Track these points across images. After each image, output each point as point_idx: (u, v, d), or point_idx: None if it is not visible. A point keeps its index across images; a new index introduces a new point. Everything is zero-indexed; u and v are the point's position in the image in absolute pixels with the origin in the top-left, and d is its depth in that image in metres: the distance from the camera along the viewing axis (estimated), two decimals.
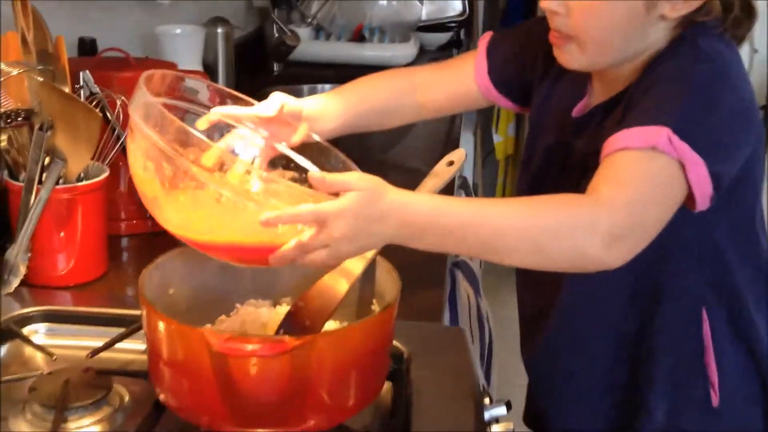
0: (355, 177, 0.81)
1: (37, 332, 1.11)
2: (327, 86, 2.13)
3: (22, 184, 1.14)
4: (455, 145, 2.21)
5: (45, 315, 1.12)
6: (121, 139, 1.25)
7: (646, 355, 1.04)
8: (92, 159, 1.20)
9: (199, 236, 0.87)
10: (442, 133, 2.09)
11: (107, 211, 1.24)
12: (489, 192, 3.63)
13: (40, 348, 1.05)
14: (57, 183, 1.15)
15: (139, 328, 0.97)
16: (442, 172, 0.98)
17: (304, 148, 1.07)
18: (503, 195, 3.63)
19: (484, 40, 1.17)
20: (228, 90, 1.07)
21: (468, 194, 2.04)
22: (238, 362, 0.80)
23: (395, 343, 1.03)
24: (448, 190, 1.05)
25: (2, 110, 1.09)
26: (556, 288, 1.07)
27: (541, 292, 1.10)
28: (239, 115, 1.03)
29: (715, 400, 1.02)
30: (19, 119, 1.08)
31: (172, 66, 1.40)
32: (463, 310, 1.44)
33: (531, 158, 1.10)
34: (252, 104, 1.06)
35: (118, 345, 1.04)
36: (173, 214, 0.87)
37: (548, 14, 0.97)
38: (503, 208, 0.85)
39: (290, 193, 0.80)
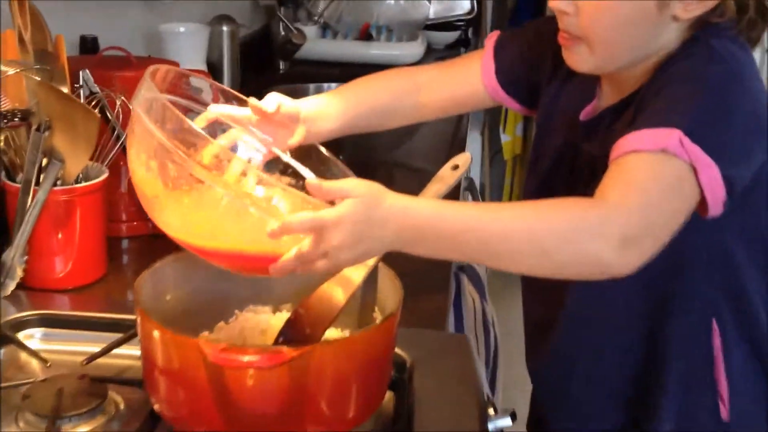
0: (353, 183, 0.79)
1: (33, 337, 1.09)
2: (333, 85, 2.10)
3: (19, 185, 1.12)
4: (462, 145, 2.19)
5: (41, 319, 1.10)
6: (121, 140, 1.23)
7: (654, 367, 1.01)
8: (91, 160, 1.18)
9: (199, 241, 0.85)
10: (449, 133, 2.07)
11: (106, 212, 1.22)
12: (496, 192, 3.60)
13: (34, 354, 1.03)
14: (55, 184, 1.13)
15: (136, 333, 0.95)
16: (446, 176, 0.95)
17: (302, 157, 1.04)
18: (510, 195, 3.60)
19: (491, 39, 1.14)
20: (231, 91, 1.05)
21: (474, 196, 2.02)
22: (234, 373, 0.78)
23: (397, 350, 1.01)
24: (453, 194, 1.03)
25: None
26: (562, 296, 1.04)
27: (548, 300, 1.08)
28: (236, 116, 1.01)
29: (724, 413, 0.99)
30: (16, 119, 1.06)
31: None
32: (468, 315, 1.41)
33: (538, 161, 1.08)
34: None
35: (115, 351, 1.02)
36: (174, 216, 0.85)
37: (557, 14, 0.94)
38: (507, 211, 0.83)
39: (289, 199, 0.78)
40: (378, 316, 0.95)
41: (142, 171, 0.84)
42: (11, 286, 1.13)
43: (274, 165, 1.04)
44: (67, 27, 1.29)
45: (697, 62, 0.90)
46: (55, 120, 1.09)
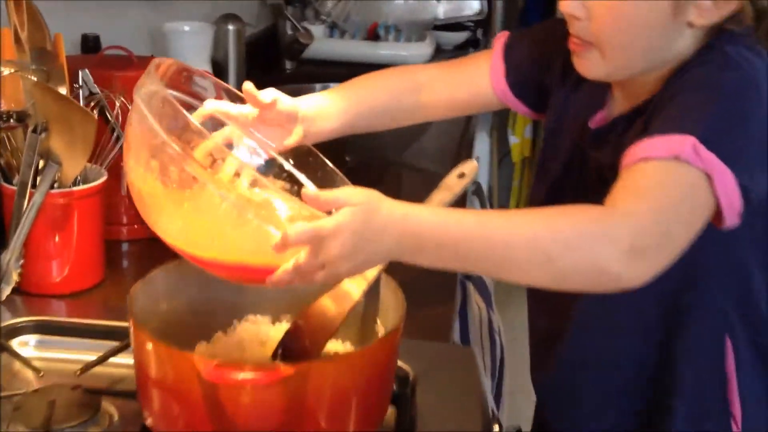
0: (350, 192, 0.76)
1: (28, 344, 1.06)
2: None
3: (15, 188, 1.09)
4: (470, 146, 2.17)
5: (36, 326, 1.08)
6: (121, 141, 1.21)
7: (664, 383, 0.98)
8: (90, 162, 1.16)
9: (196, 250, 0.82)
10: (457, 134, 2.04)
11: (105, 216, 1.19)
12: (504, 195, 3.57)
13: (27, 363, 1.00)
14: (52, 187, 1.11)
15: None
16: (452, 185, 0.92)
17: (298, 160, 1.00)
18: (519, 198, 3.57)
19: (500, 40, 1.10)
20: (234, 90, 1.01)
21: (482, 201, 1.98)
22: (229, 389, 0.75)
23: (400, 363, 0.98)
24: (460, 199, 1.00)
25: None
26: (569, 307, 1.01)
27: (554, 311, 1.05)
28: (232, 113, 0.97)
29: None
30: (11, 121, 1.04)
31: (204, 72, 1.35)
32: (474, 324, 1.38)
33: (546, 170, 1.04)
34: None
35: (111, 359, 0.99)
36: (171, 222, 0.82)
37: (567, 19, 0.91)
38: (512, 218, 0.79)
39: (286, 204, 0.75)
40: (380, 329, 0.92)
41: (140, 171, 0.81)
42: (6, 291, 1.11)
43: (268, 167, 1.00)
44: (70, 25, 1.27)
45: (712, 69, 0.87)
46: (52, 121, 1.06)
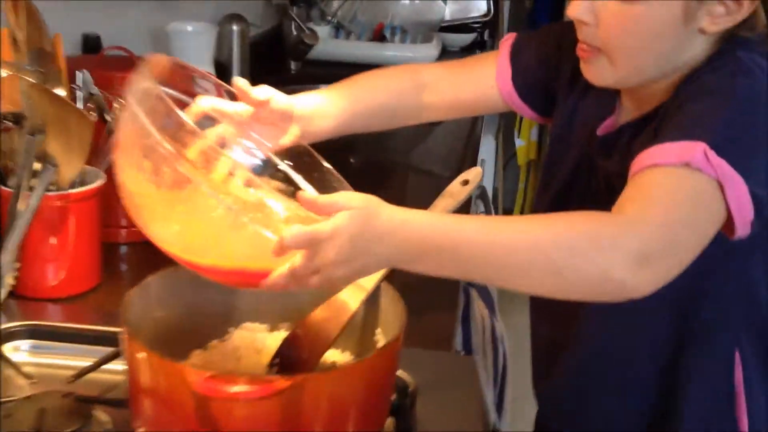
0: (348, 196, 0.73)
1: (20, 349, 1.04)
2: None
3: (12, 190, 1.07)
4: (476, 148, 2.15)
5: (30, 331, 1.06)
6: None
7: (672, 397, 0.96)
8: (89, 164, 1.14)
9: (190, 255, 0.80)
10: (463, 136, 2.03)
11: (102, 218, 1.18)
12: (510, 198, 3.55)
13: (18, 369, 0.98)
14: (48, 190, 1.09)
15: None
16: (455, 192, 0.90)
17: (294, 161, 0.97)
18: (524, 201, 3.54)
19: (507, 42, 1.08)
20: (230, 87, 0.98)
21: (486, 205, 1.96)
22: (222, 402, 0.72)
23: (400, 373, 0.96)
24: (464, 206, 0.98)
25: None
26: (573, 316, 0.99)
27: (557, 321, 1.02)
28: (227, 110, 0.94)
29: None
30: (7, 123, 1.02)
31: (200, 69, 1.33)
32: (477, 332, 1.36)
33: (552, 177, 1.02)
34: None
35: (106, 365, 0.97)
36: (166, 225, 0.80)
37: (576, 24, 0.89)
38: (514, 223, 0.77)
39: (283, 205, 0.73)
40: (380, 338, 0.90)
41: (132, 172, 0.79)
42: (2, 294, 1.09)
43: (264, 167, 0.97)
44: (71, 25, 1.25)
45: (724, 75, 0.85)
46: (49, 123, 1.04)
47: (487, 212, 2.02)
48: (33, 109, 1.03)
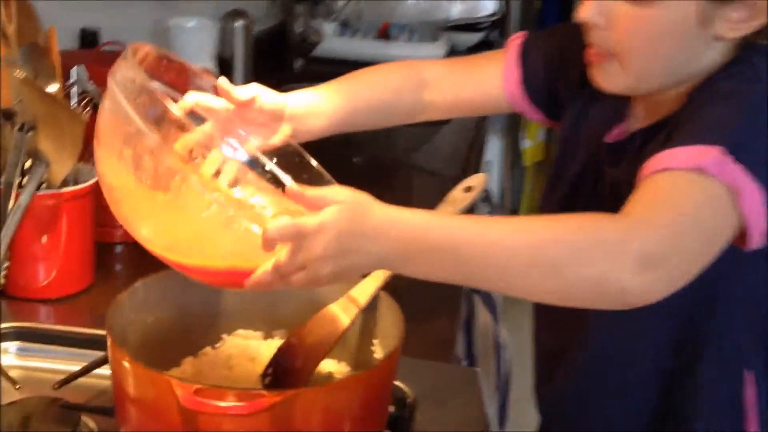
0: (337, 190, 0.70)
1: (8, 351, 1.02)
2: None
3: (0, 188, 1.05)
4: (481, 148, 2.12)
5: (18, 332, 1.03)
6: None
7: (679, 414, 0.92)
8: (81, 161, 1.11)
9: (174, 255, 0.75)
10: (469, 135, 2.00)
11: (97, 218, 1.15)
12: (516, 199, 3.51)
13: (4, 374, 0.95)
14: (40, 188, 1.06)
15: None
16: (458, 199, 0.87)
17: (283, 162, 0.93)
18: (531, 203, 3.50)
19: (515, 42, 1.04)
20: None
21: (492, 208, 1.93)
22: (210, 416, 0.69)
23: (398, 384, 0.93)
24: (468, 210, 0.94)
25: None
26: (577, 324, 0.95)
27: (561, 328, 0.99)
28: (216, 108, 0.90)
29: None
30: None
31: (186, 62, 1.30)
32: (480, 339, 1.33)
33: (558, 182, 0.98)
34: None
35: (95, 370, 0.94)
36: (149, 221, 0.76)
37: (585, 27, 0.85)
38: (514, 224, 0.73)
39: (269, 200, 0.70)
40: (377, 350, 0.87)
41: (113, 162, 0.75)
42: None
43: (251, 167, 0.91)
44: (70, 20, 1.22)
45: (740, 81, 0.81)
46: (40, 120, 1.02)
47: (492, 214, 1.99)
48: (23, 105, 1.00)
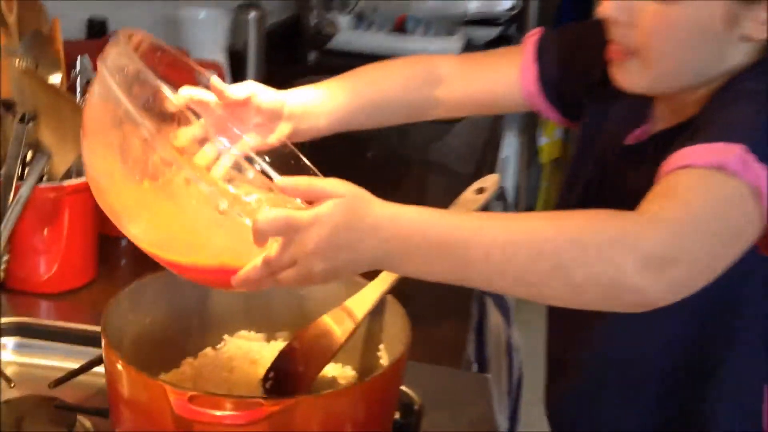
0: (335, 183, 0.66)
1: (6, 347, 1.00)
2: None
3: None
4: (497, 145, 2.08)
5: (17, 328, 1.01)
6: None
7: (694, 411, 0.88)
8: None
9: (164, 252, 0.72)
10: (485, 132, 1.97)
11: (98, 211, 1.12)
12: (531, 197, 3.47)
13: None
14: (41, 180, 1.04)
15: None
16: (469, 201, 0.83)
17: (278, 164, 0.89)
18: (547, 201, 3.46)
19: (532, 39, 1.00)
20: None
21: (506, 206, 1.89)
22: (205, 425, 0.66)
23: (405, 389, 0.90)
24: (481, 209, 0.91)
25: None
26: (589, 333, 0.92)
27: (572, 336, 0.95)
28: (208, 102, 0.85)
29: None
30: None
31: (182, 54, 1.27)
32: (491, 342, 1.29)
33: (574, 187, 0.94)
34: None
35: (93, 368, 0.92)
36: (135, 213, 0.73)
37: (607, 24, 0.81)
38: (519, 220, 0.69)
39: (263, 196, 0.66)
40: (383, 356, 0.84)
41: (100, 150, 0.71)
42: None
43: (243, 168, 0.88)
44: (79, 10, 1.20)
45: (765, 79, 0.78)
46: (41, 111, 0.99)
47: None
48: (24, 96, 0.97)
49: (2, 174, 1.01)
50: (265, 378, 0.83)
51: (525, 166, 3.41)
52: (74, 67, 1.12)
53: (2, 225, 1.01)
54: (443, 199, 0.90)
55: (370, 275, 0.81)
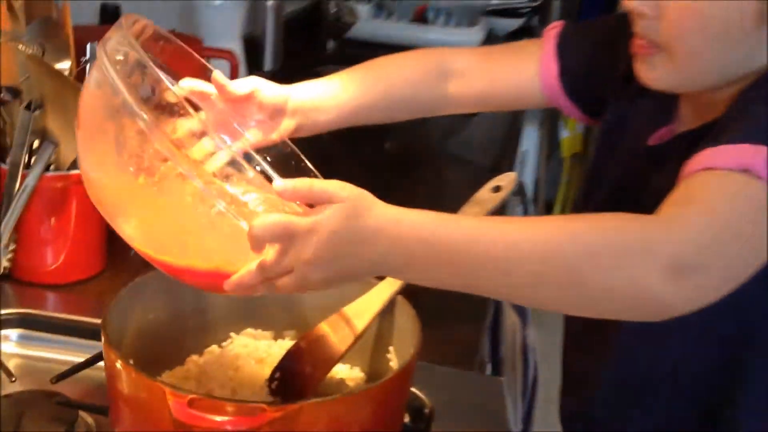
0: (338, 186, 0.63)
1: (9, 339, 0.98)
2: None
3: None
4: (517, 138, 2.04)
5: (21, 320, 0.99)
6: None
7: (718, 418, 0.85)
8: None
9: (152, 250, 0.70)
10: (505, 125, 1.95)
11: None
12: (551, 191, 3.42)
13: (1, 365, 0.91)
14: (48, 169, 1.01)
15: None
16: (485, 199, 0.80)
17: (277, 163, 0.86)
18: (566, 196, 3.42)
19: (552, 33, 0.96)
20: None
21: (524, 201, 1.86)
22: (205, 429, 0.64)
23: (416, 391, 0.87)
24: (497, 211, 0.88)
25: None
26: (605, 346, 0.88)
27: (588, 349, 0.91)
28: (211, 96, 0.83)
29: None
30: (0, 96, 0.94)
31: (196, 42, 1.25)
32: (507, 342, 1.26)
33: (594, 189, 0.90)
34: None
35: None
36: (128, 211, 0.70)
37: (632, 16, 0.77)
38: (527, 225, 0.65)
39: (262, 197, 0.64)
40: (392, 358, 0.81)
41: (94, 141, 0.69)
42: None
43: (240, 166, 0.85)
44: None
45: None
46: (48, 98, 0.97)
47: (525, 209, 1.92)
48: (30, 83, 0.95)
49: (8, 162, 0.99)
50: (271, 378, 0.81)
51: (545, 160, 3.37)
52: (85, 53, 1.10)
53: (8, 214, 1.00)
54: (461, 191, 0.87)
55: None
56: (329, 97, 0.90)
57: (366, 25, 2.28)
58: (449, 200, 0.80)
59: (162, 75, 0.65)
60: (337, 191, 0.62)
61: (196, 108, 0.81)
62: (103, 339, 0.72)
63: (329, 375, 0.81)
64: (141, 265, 1.11)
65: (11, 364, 0.94)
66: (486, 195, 0.80)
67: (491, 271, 0.63)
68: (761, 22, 0.73)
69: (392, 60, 0.96)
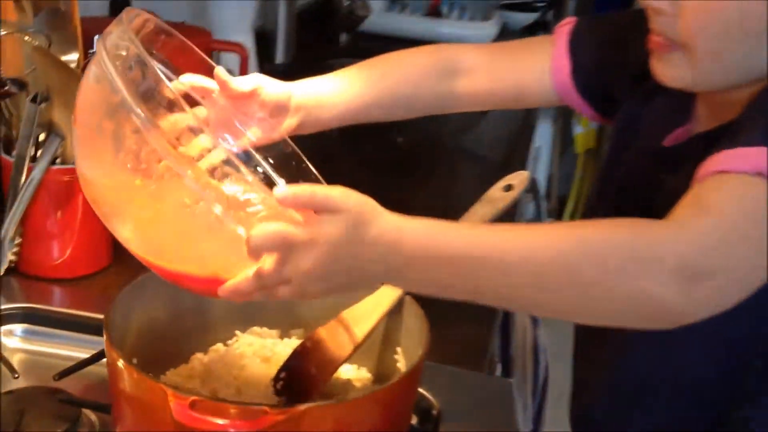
0: (343, 194, 0.61)
1: (13, 334, 0.97)
2: None
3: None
4: (530, 134, 2.02)
5: (26, 314, 0.99)
6: None
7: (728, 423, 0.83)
8: None
9: (147, 254, 0.68)
10: (518, 120, 1.92)
11: None
12: (565, 187, 3.40)
13: (5, 361, 0.90)
14: (54, 162, 1.00)
15: None
16: (496, 198, 0.78)
17: (277, 162, 0.84)
18: (579, 192, 3.39)
19: (565, 29, 0.93)
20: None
21: (537, 198, 1.84)
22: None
23: (423, 392, 0.86)
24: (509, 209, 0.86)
25: None
26: (613, 357, 0.86)
27: (596, 358, 0.90)
28: (212, 92, 0.81)
29: None
30: (5, 88, 0.93)
31: (205, 34, 1.23)
32: (517, 342, 1.25)
33: (606, 190, 0.88)
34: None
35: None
36: (125, 213, 0.68)
37: (650, 13, 0.75)
38: (533, 230, 0.64)
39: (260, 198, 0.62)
40: (400, 359, 0.80)
41: (91, 139, 0.67)
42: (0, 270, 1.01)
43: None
44: None
45: None
46: (55, 91, 0.95)
47: (537, 205, 1.90)
48: (36, 75, 0.94)
49: (14, 154, 0.98)
50: (277, 378, 0.79)
51: (558, 156, 3.34)
52: (93, 46, 1.09)
53: (14, 207, 0.99)
54: (474, 187, 0.86)
55: None
56: (332, 94, 0.88)
57: (379, 18, 2.26)
58: (461, 196, 0.78)
59: (161, 71, 0.63)
60: (342, 200, 0.60)
61: (198, 104, 0.79)
62: (105, 338, 0.71)
63: (336, 375, 0.80)
64: None
65: (15, 359, 0.93)
66: (497, 194, 0.78)
67: (494, 282, 0.62)
68: None
69: (398, 57, 0.94)
